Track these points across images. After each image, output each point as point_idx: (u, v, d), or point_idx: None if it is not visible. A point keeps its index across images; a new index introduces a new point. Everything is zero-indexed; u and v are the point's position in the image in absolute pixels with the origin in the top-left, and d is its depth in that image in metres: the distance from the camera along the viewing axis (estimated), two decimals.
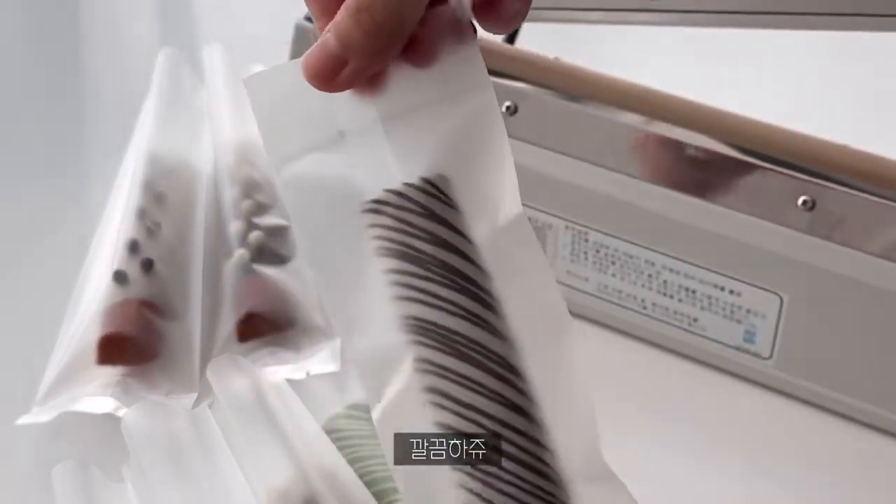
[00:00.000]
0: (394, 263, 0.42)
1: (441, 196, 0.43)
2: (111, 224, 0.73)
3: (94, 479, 0.58)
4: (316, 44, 0.42)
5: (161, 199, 0.72)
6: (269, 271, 0.69)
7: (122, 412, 0.61)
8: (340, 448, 0.59)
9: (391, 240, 0.43)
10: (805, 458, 0.63)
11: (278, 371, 0.64)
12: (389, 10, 0.40)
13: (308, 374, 0.64)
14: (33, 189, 0.81)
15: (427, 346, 0.42)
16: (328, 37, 0.41)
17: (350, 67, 0.41)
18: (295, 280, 0.69)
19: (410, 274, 0.42)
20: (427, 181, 0.43)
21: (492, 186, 0.44)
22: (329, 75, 0.41)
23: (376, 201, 0.43)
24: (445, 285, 0.42)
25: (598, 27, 0.68)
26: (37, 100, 0.90)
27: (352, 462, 0.58)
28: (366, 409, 0.62)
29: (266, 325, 0.66)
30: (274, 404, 0.60)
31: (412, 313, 0.42)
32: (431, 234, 0.43)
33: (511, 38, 0.75)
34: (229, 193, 0.72)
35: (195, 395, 0.64)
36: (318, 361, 0.65)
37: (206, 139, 0.79)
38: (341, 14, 0.41)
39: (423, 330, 0.42)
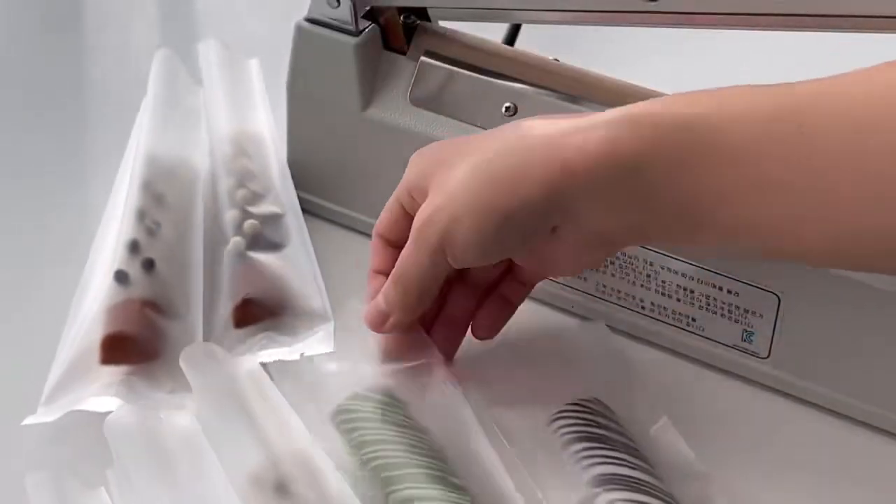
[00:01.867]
0: (582, 445, 0.60)
1: (600, 404, 0.62)
2: (111, 225, 0.73)
3: (70, 489, 0.58)
4: (372, 302, 0.62)
5: (160, 199, 0.73)
6: (263, 258, 0.69)
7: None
8: (349, 430, 0.59)
9: (577, 431, 0.60)
10: (803, 458, 0.63)
11: (273, 354, 0.65)
12: (416, 283, 0.60)
13: (302, 355, 0.65)
14: (34, 189, 0.81)
15: (616, 489, 0.57)
16: (378, 298, 0.62)
17: (391, 320, 0.61)
18: (289, 266, 0.69)
19: (596, 448, 0.59)
20: (589, 399, 0.62)
21: (628, 403, 0.63)
22: (378, 325, 0.62)
23: (562, 411, 0.62)
24: (619, 450, 0.59)
25: (597, 28, 0.68)
26: (38, 99, 0.90)
27: (359, 446, 0.58)
28: (381, 392, 0.62)
29: (262, 311, 0.67)
30: (247, 392, 0.61)
31: (601, 472, 0.58)
32: (601, 424, 0.61)
33: (511, 39, 0.75)
34: (225, 183, 0.73)
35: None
36: (313, 343, 0.66)
37: (202, 139, 0.79)
38: (387, 282, 0.61)
39: (611, 480, 0.58)
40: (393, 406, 0.61)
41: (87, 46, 0.98)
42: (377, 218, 0.74)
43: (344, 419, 0.60)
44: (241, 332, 0.66)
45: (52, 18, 0.99)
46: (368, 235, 0.75)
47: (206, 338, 0.67)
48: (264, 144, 0.77)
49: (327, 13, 0.71)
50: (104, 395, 0.62)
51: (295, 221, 0.73)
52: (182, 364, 0.62)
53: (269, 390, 0.61)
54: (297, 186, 0.76)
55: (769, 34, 0.66)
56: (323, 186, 0.76)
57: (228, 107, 0.79)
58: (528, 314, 0.67)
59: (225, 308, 0.67)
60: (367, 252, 0.75)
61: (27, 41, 0.97)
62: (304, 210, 0.77)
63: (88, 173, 0.83)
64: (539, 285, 0.71)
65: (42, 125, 0.87)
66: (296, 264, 0.70)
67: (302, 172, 0.76)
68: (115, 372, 0.64)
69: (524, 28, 0.75)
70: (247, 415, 0.59)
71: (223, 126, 0.77)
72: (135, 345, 0.65)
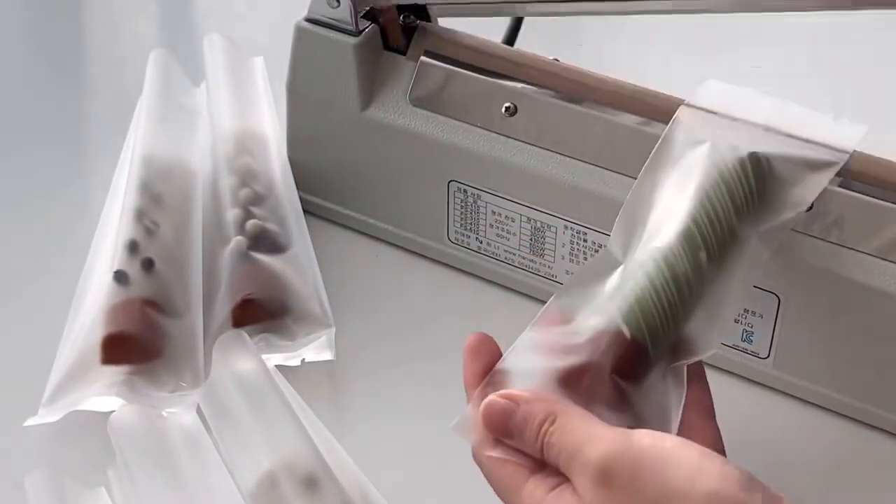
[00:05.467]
0: None
1: None
2: (110, 225, 0.73)
3: (70, 489, 0.58)
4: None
5: (158, 199, 0.72)
6: (266, 259, 0.69)
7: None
8: None
9: None
10: (803, 458, 0.63)
11: (271, 358, 0.65)
12: None
13: (303, 361, 0.65)
14: (34, 189, 0.81)
15: None
16: None
17: None
18: (292, 268, 0.69)
19: None
20: None
21: None
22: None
23: None
24: None
25: (597, 28, 0.68)
26: (37, 99, 0.90)
27: None
28: None
29: (261, 312, 0.67)
30: (280, 382, 0.61)
31: None
32: None
33: (511, 39, 0.75)
34: (227, 182, 0.73)
35: (199, 391, 0.64)
36: (314, 349, 0.66)
37: (199, 139, 0.79)
38: None
39: None
40: None
41: (87, 46, 0.98)
42: (377, 218, 0.75)
43: None
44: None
45: (52, 18, 0.99)
46: (368, 235, 0.76)
47: (205, 337, 0.67)
48: (267, 143, 0.77)
49: (327, 13, 0.71)
50: (106, 395, 0.63)
51: (297, 223, 0.73)
52: (215, 352, 0.62)
53: (288, 387, 0.62)
54: (297, 186, 0.76)
55: (770, 36, 0.66)
56: (323, 186, 0.76)
57: (232, 104, 0.79)
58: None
59: (224, 307, 0.67)
60: (367, 252, 0.75)
61: (27, 41, 0.97)
62: (304, 210, 0.77)
63: (88, 173, 0.83)
64: (524, 280, 0.71)
65: (41, 125, 0.87)
66: (297, 267, 0.70)
67: (302, 172, 0.76)
68: (116, 372, 0.64)
69: (524, 28, 0.75)
70: (284, 403, 0.60)
71: (226, 123, 0.77)
72: (136, 344, 0.65)
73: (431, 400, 0.65)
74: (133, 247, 0.69)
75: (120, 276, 0.67)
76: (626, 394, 0.54)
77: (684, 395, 0.54)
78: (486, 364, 0.54)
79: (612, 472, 0.48)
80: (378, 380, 0.67)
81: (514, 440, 0.52)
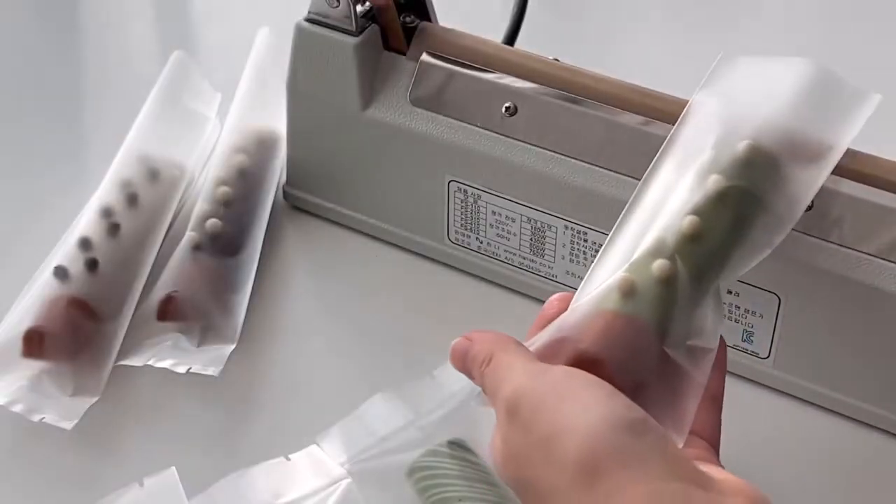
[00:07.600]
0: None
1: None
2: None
3: None
4: None
5: (133, 200, 0.72)
6: (207, 260, 0.70)
7: (35, 417, 0.63)
8: (427, 487, 0.59)
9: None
10: (803, 458, 0.63)
11: (164, 363, 0.65)
12: None
13: (189, 370, 0.65)
14: (32, 189, 0.81)
15: None
16: None
17: None
18: (227, 277, 0.70)
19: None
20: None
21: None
22: None
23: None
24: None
25: (597, 28, 0.68)
26: (35, 100, 0.90)
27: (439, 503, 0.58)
28: (458, 447, 0.61)
29: (180, 312, 0.68)
30: None
31: None
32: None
33: (511, 39, 0.75)
34: (212, 176, 0.74)
35: (96, 399, 0.64)
36: (203, 361, 0.66)
37: (201, 146, 0.79)
38: None
39: None
40: (471, 462, 0.60)
41: (85, 47, 0.98)
42: (377, 218, 0.75)
43: (421, 476, 0.59)
44: (160, 325, 0.67)
45: (49, 19, 0.99)
46: (368, 235, 0.76)
47: (133, 321, 0.68)
48: (271, 147, 0.78)
49: (327, 13, 0.71)
50: (12, 393, 0.64)
51: (257, 234, 0.73)
52: None
53: None
54: (297, 186, 0.76)
55: (772, 35, 0.66)
56: (323, 186, 0.76)
57: (246, 101, 0.79)
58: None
59: (155, 296, 0.68)
60: (367, 251, 0.75)
61: (24, 42, 0.97)
62: (304, 210, 0.77)
63: (87, 173, 0.83)
64: (525, 280, 0.71)
65: (40, 126, 0.87)
66: (232, 277, 0.70)
67: (302, 172, 0.76)
68: (32, 366, 0.65)
69: (524, 28, 0.76)
70: None
71: (236, 119, 0.78)
72: (52, 342, 0.65)
73: None
74: (85, 244, 0.69)
75: (59, 272, 0.68)
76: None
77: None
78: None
79: (517, 406, 0.48)
80: (377, 379, 0.67)
81: (474, 380, 0.53)
